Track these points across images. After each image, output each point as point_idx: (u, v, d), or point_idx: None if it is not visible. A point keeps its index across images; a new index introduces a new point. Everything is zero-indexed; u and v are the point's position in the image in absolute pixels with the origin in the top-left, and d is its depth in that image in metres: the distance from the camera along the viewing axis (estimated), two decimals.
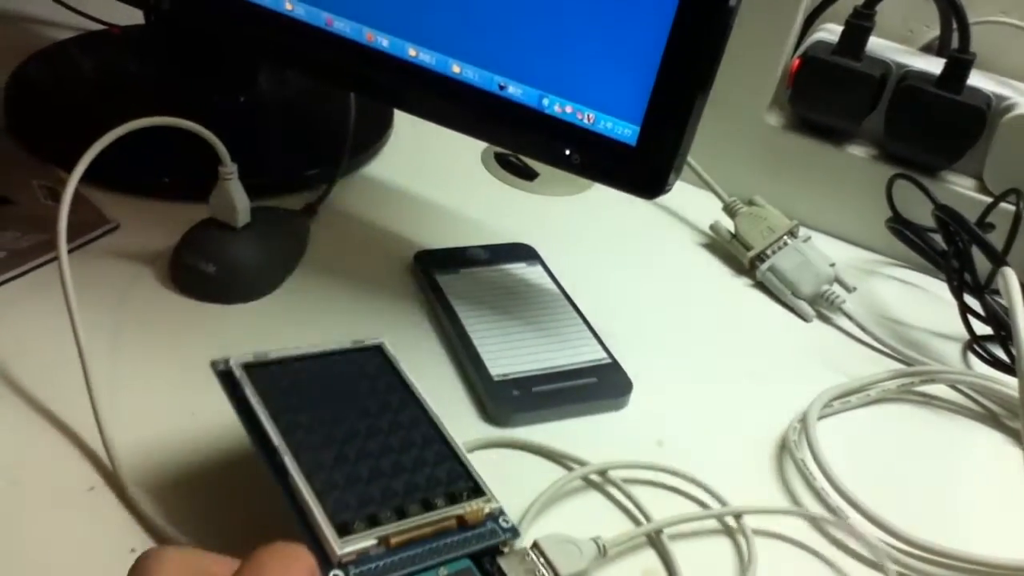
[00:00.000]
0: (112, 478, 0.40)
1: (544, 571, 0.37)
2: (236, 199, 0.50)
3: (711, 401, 0.51)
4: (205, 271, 0.50)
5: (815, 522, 0.45)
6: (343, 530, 0.33)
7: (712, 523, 0.44)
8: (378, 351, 0.42)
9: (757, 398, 0.52)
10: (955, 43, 0.63)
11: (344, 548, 0.32)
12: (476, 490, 0.36)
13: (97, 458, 0.41)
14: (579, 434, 0.46)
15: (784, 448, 0.49)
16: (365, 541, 0.33)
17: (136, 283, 0.51)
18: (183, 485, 0.40)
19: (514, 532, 0.36)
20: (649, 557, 0.42)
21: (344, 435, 0.37)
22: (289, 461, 0.34)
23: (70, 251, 0.51)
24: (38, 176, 0.57)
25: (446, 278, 0.54)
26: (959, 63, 0.61)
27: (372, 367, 0.41)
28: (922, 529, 0.44)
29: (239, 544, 0.36)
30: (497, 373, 0.48)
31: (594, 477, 0.45)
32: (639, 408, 0.49)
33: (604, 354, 0.51)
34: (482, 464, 0.37)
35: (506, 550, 0.36)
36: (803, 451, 0.48)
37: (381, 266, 0.56)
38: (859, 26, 0.63)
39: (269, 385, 0.37)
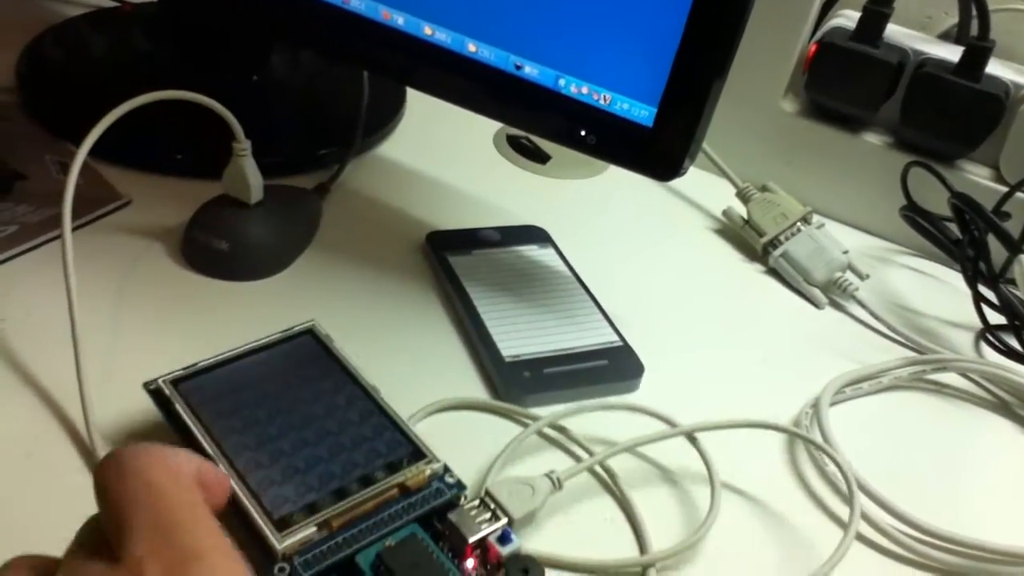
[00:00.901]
0: (90, 458, 0.40)
1: (498, 515, 0.37)
2: (249, 176, 0.50)
3: (723, 386, 0.51)
4: (217, 248, 0.50)
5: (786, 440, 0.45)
6: (283, 524, 0.33)
7: (672, 451, 0.45)
8: (310, 335, 0.43)
9: (769, 384, 0.52)
10: (974, 30, 0.63)
11: (285, 542, 0.33)
12: (417, 454, 0.37)
13: (79, 436, 0.41)
14: (589, 416, 0.46)
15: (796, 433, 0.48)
16: (305, 530, 0.33)
17: (146, 258, 0.51)
18: None
19: (459, 486, 0.37)
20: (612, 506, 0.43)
21: (279, 429, 0.37)
22: (224, 468, 0.35)
23: (81, 226, 0.52)
24: (51, 151, 0.57)
25: (458, 259, 0.54)
26: (977, 51, 0.61)
27: (305, 353, 0.42)
28: (932, 515, 0.44)
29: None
30: (509, 354, 0.48)
31: (548, 431, 0.45)
32: (650, 391, 0.49)
33: (616, 337, 0.51)
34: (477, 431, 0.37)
35: (463, 504, 0.37)
36: (815, 437, 0.48)
37: (393, 246, 0.56)
38: (877, 12, 0.63)
39: (202, 394, 0.38)
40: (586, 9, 0.46)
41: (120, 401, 0.41)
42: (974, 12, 0.63)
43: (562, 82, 0.48)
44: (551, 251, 0.57)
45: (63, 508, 0.38)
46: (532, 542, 0.39)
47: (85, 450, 0.40)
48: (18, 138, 0.57)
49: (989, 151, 0.63)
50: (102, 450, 0.39)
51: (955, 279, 0.62)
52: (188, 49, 0.66)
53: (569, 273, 0.55)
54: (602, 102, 0.47)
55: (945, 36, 0.70)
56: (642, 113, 0.46)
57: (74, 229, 0.48)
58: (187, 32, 0.65)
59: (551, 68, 0.48)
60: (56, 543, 0.36)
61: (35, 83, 0.63)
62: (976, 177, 0.63)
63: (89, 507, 0.38)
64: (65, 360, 0.42)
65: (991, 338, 0.58)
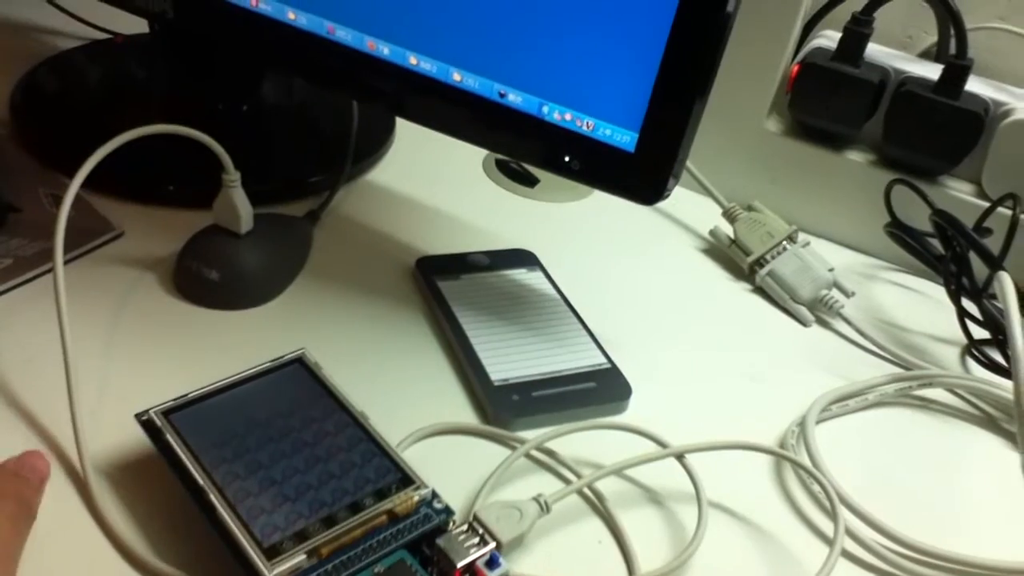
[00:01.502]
0: (83, 488, 0.40)
1: (487, 539, 0.37)
2: (239, 206, 0.51)
3: (710, 405, 0.52)
4: (208, 277, 0.51)
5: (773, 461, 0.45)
6: (273, 552, 0.34)
7: (659, 472, 0.45)
8: (299, 364, 0.43)
9: (756, 402, 0.53)
10: (953, 49, 0.64)
11: (275, 570, 0.34)
12: (405, 480, 0.38)
13: (71, 466, 0.41)
14: (576, 440, 0.47)
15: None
16: (294, 559, 0.34)
17: (139, 289, 0.52)
18: (156, 499, 0.40)
19: (447, 511, 0.38)
20: (600, 528, 0.43)
21: (269, 457, 0.38)
22: (215, 498, 0.36)
23: (75, 258, 0.52)
24: (44, 184, 0.57)
25: (447, 283, 0.55)
26: (957, 69, 0.62)
27: (294, 381, 0.42)
28: (919, 531, 0.44)
29: (192, 559, 0.37)
30: (497, 378, 0.48)
31: (536, 454, 0.46)
32: (638, 413, 0.50)
33: (604, 359, 0.51)
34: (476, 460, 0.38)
35: (451, 529, 0.37)
36: (801, 455, 0.48)
37: (383, 272, 0.57)
38: (858, 32, 0.64)
39: (193, 425, 0.39)
40: (567, 37, 0.46)
41: (113, 432, 0.42)
42: (952, 31, 0.64)
43: (545, 109, 0.48)
44: (539, 274, 0.58)
45: (55, 537, 0.38)
46: (520, 566, 0.40)
47: (78, 480, 0.40)
48: (11, 170, 0.58)
49: (971, 167, 0.64)
50: (95, 481, 0.40)
51: (940, 294, 0.62)
52: (179, 80, 0.67)
53: (557, 296, 0.56)
54: (585, 128, 0.48)
55: (925, 55, 0.71)
56: (624, 138, 0.47)
57: (67, 261, 0.49)
58: (178, 63, 0.66)
59: (535, 96, 0.48)
60: (48, 571, 0.37)
61: (29, 115, 0.64)
62: (959, 193, 0.64)
63: (79, 536, 0.38)
64: (58, 392, 0.42)
65: (976, 353, 0.58)
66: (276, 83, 0.70)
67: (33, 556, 0.37)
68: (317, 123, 0.70)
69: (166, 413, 0.39)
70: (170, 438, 0.38)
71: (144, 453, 0.41)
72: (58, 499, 0.40)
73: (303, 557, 0.34)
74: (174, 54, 0.66)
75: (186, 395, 0.40)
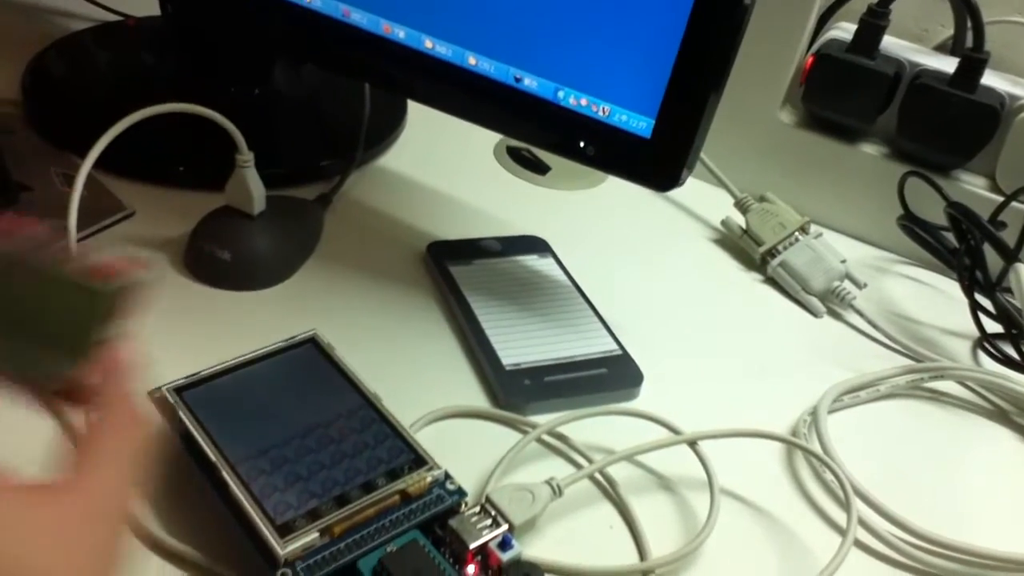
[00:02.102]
0: None
1: (499, 521, 0.37)
2: (252, 187, 0.50)
3: (721, 394, 0.52)
4: (220, 257, 0.50)
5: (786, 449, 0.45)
6: (285, 530, 0.34)
7: (671, 458, 0.45)
8: (312, 343, 0.43)
9: (767, 392, 0.52)
10: (969, 42, 0.63)
11: (287, 548, 0.33)
12: (418, 461, 0.37)
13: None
14: (588, 425, 0.47)
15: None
16: (307, 536, 0.34)
17: (150, 269, 0.52)
18: (167, 476, 0.39)
19: (460, 493, 0.37)
20: (612, 513, 0.43)
21: (282, 436, 0.38)
22: (227, 475, 0.36)
23: (85, 237, 0.52)
24: (56, 163, 0.57)
25: (458, 269, 0.55)
26: (973, 62, 0.61)
27: (307, 361, 0.42)
28: (930, 522, 0.44)
29: (204, 536, 0.37)
30: (509, 362, 0.48)
31: (547, 438, 0.46)
32: (649, 400, 0.49)
33: (615, 345, 0.51)
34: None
35: (464, 511, 0.37)
36: (813, 444, 0.48)
37: (394, 256, 0.56)
38: (873, 24, 0.63)
39: (206, 402, 0.39)
40: (585, 22, 0.46)
41: None
42: (969, 24, 0.64)
43: (561, 94, 0.48)
44: (551, 261, 0.57)
45: None
46: (532, 548, 0.40)
47: None
48: (23, 150, 0.58)
49: (985, 161, 0.63)
50: None
51: (952, 288, 0.62)
52: (192, 63, 0.66)
53: (569, 282, 0.56)
54: (601, 114, 0.48)
55: (941, 48, 0.71)
56: (640, 124, 0.47)
57: (78, 240, 0.48)
58: (191, 46, 0.66)
59: (550, 80, 0.48)
60: None
61: (40, 96, 0.63)
62: (972, 187, 0.64)
63: None
64: None
65: (988, 347, 0.58)
66: (288, 67, 0.69)
67: None
68: (328, 108, 0.69)
69: (178, 390, 0.39)
70: (182, 414, 0.38)
71: (154, 431, 0.40)
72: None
73: (316, 535, 0.34)
74: (186, 37, 0.66)
75: (198, 373, 0.40)
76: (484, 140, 0.70)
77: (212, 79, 0.65)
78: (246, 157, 0.50)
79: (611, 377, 0.49)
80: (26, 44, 0.68)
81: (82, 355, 0.31)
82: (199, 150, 0.58)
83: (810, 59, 0.65)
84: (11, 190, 0.54)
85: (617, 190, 0.67)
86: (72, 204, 0.44)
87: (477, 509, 0.38)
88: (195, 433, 0.37)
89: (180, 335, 0.48)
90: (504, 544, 0.36)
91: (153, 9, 0.66)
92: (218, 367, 0.41)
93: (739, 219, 0.64)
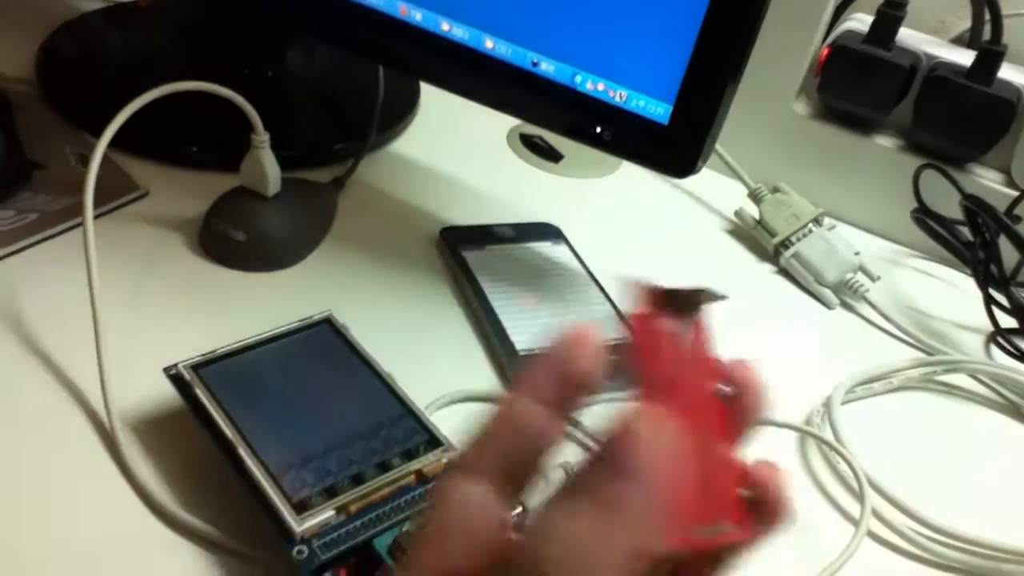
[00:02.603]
0: (110, 442, 0.40)
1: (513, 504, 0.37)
2: (268, 167, 0.50)
3: None
4: (235, 238, 0.50)
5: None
6: (301, 507, 0.34)
7: None
8: (327, 324, 0.43)
9: (780, 383, 0.52)
10: (987, 35, 0.63)
11: (303, 524, 0.33)
12: (433, 442, 0.37)
13: (99, 419, 0.41)
14: (601, 411, 0.46)
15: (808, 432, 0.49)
16: (324, 514, 0.34)
17: (164, 248, 0.52)
18: (182, 453, 0.40)
19: None
20: None
21: (298, 415, 0.38)
22: (244, 452, 0.36)
23: (99, 216, 0.52)
24: (71, 142, 0.57)
25: (472, 254, 0.54)
26: (990, 55, 0.61)
27: (322, 342, 0.42)
28: (942, 514, 0.44)
29: (220, 513, 0.37)
30: (522, 347, 0.48)
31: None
32: None
33: (628, 333, 0.51)
34: None
35: None
36: (827, 435, 0.48)
37: (407, 240, 0.56)
38: (890, 16, 0.63)
39: (222, 380, 0.39)
40: (604, 7, 0.46)
41: (140, 386, 0.42)
42: (987, 16, 0.63)
43: (578, 79, 0.48)
44: (564, 248, 0.57)
45: (83, 490, 0.38)
46: None
47: (105, 434, 0.40)
48: (38, 129, 0.57)
49: (1001, 155, 0.63)
50: (122, 434, 0.40)
51: (966, 282, 0.62)
52: (204, 43, 0.66)
53: (582, 270, 0.56)
54: (618, 99, 0.48)
55: (958, 40, 0.71)
56: (658, 110, 0.47)
57: (94, 219, 0.48)
58: (204, 26, 0.66)
59: (568, 65, 0.48)
60: (76, 525, 0.37)
61: (54, 75, 0.63)
62: (988, 181, 0.63)
63: (107, 489, 0.38)
64: (86, 345, 0.42)
65: (1002, 341, 0.58)
66: (301, 50, 0.69)
67: (61, 507, 0.37)
68: (342, 90, 0.69)
69: (195, 367, 0.39)
70: (199, 392, 0.38)
71: (171, 408, 0.40)
72: (86, 453, 0.40)
73: (332, 513, 0.34)
74: (198, 18, 0.66)
75: (214, 351, 0.40)
76: (497, 127, 0.70)
77: (225, 60, 0.65)
78: (262, 137, 0.49)
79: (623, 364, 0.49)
80: (40, 23, 0.68)
81: None
82: (214, 130, 0.58)
83: (826, 50, 0.65)
84: (26, 168, 0.54)
85: (630, 179, 0.67)
86: (88, 184, 0.43)
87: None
88: (212, 410, 0.37)
89: (195, 314, 0.48)
90: (518, 527, 0.36)
91: None
92: (234, 346, 0.41)
93: (753, 210, 0.64)
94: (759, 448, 0.46)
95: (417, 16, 0.51)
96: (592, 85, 0.48)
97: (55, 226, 0.50)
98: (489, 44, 0.50)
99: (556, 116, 0.51)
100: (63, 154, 0.56)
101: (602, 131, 0.49)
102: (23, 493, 0.37)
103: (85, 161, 0.55)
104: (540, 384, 0.22)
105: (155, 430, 0.41)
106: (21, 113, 0.55)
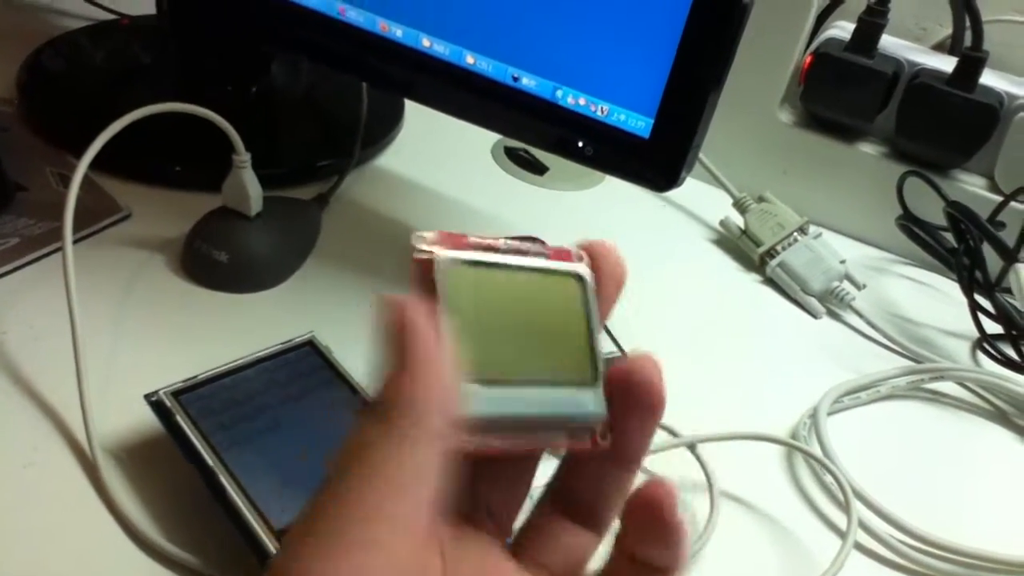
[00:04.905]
0: (92, 470, 0.40)
1: None
2: (249, 187, 0.50)
3: (721, 396, 0.51)
4: (217, 259, 0.50)
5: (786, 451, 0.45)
6: (284, 535, 0.33)
7: (670, 461, 0.45)
8: (309, 346, 0.43)
9: (767, 394, 0.52)
10: (968, 41, 0.63)
11: None
12: None
13: (80, 447, 0.41)
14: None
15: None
16: None
17: (146, 270, 0.51)
18: (165, 480, 0.40)
19: None
20: None
21: (280, 440, 0.38)
22: (224, 479, 0.35)
23: (82, 238, 0.52)
24: (51, 163, 0.57)
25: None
26: (972, 61, 0.61)
27: (305, 364, 0.42)
28: (930, 524, 0.44)
29: (201, 541, 0.36)
30: None
31: None
32: None
33: (613, 347, 0.51)
34: None
35: None
36: (813, 446, 0.48)
37: (391, 257, 0.56)
38: (872, 23, 0.63)
39: (203, 406, 0.39)
40: (583, 21, 0.46)
41: (121, 412, 0.41)
42: (968, 23, 0.64)
43: (559, 93, 0.48)
44: None
45: (65, 519, 0.38)
46: None
47: (86, 461, 0.40)
48: (18, 150, 0.57)
49: (984, 161, 0.63)
50: (103, 461, 0.39)
51: (952, 288, 0.62)
52: (188, 61, 0.66)
53: None
54: (599, 113, 0.47)
55: (939, 47, 0.71)
56: (639, 124, 0.47)
57: (75, 241, 0.48)
58: (187, 45, 0.65)
59: (548, 80, 0.48)
60: (58, 555, 0.36)
61: (35, 95, 0.63)
62: (971, 187, 0.64)
63: (88, 518, 0.38)
64: (66, 371, 0.42)
65: (988, 347, 0.58)
66: (285, 66, 0.69)
67: (41, 537, 0.37)
68: (326, 107, 0.69)
69: (176, 394, 0.39)
70: (180, 419, 0.37)
71: (153, 434, 0.40)
72: (66, 480, 0.39)
73: None
74: (181, 36, 0.65)
75: (195, 376, 0.40)
76: (482, 140, 0.70)
77: (208, 78, 0.65)
78: (243, 157, 0.49)
79: None
80: (20, 42, 0.67)
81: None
82: (196, 150, 0.58)
83: (809, 58, 0.65)
84: (7, 190, 0.53)
85: (615, 191, 0.67)
86: (68, 206, 0.43)
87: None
88: (192, 437, 0.37)
89: (177, 338, 0.47)
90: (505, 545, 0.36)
91: (148, 8, 0.66)
92: (216, 370, 0.40)
93: (738, 219, 0.64)
94: (745, 460, 0.46)
95: (397, 32, 0.51)
96: (573, 100, 0.48)
97: (36, 250, 0.50)
98: (470, 60, 0.49)
99: (538, 131, 0.51)
100: (44, 176, 0.56)
101: (584, 145, 0.49)
102: (1, 522, 0.37)
103: (67, 182, 0.54)
104: None
105: (137, 457, 0.40)
106: (3, 134, 0.55)
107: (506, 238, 0.23)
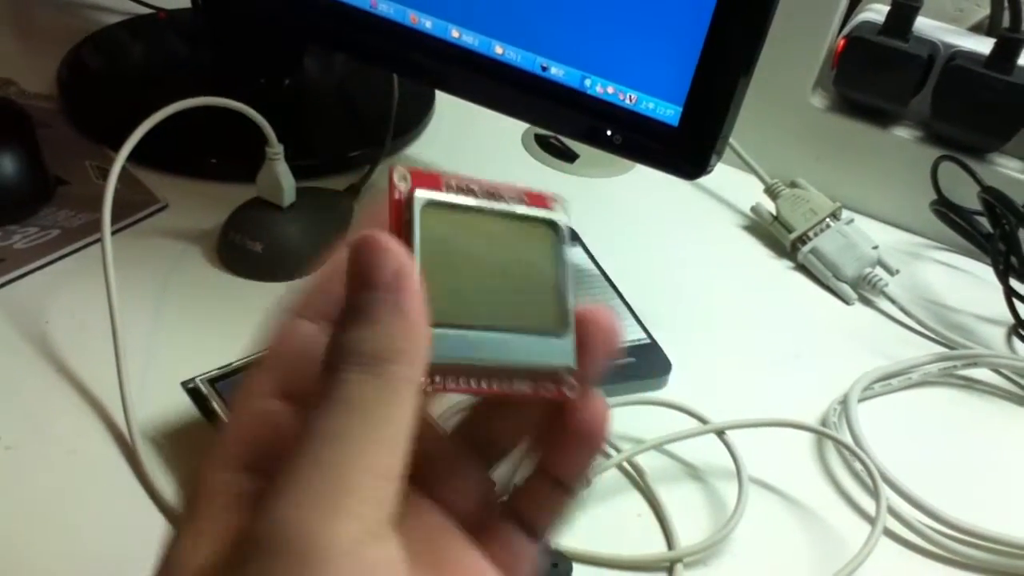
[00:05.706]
0: (131, 454, 0.41)
1: None
2: (282, 179, 0.51)
3: (751, 382, 0.51)
4: (252, 249, 0.51)
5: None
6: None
7: (699, 448, 0.45)
8: None
9: (798, 380, 0.52)
10: (1006, 22, 0.62)
11: None
12: None
13: (119, 432, 0.42)
14: (616, 414, 0.47)
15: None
16: None
17: (183, 261, 0.52)
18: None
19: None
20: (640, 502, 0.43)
21: None
22: None
23: (119, 230, 0.53)
24: (91, 157, 0.58)
25: None
26: (1010, 43, 0.60)
27: None
28: (962, 511, 0.44)
29: None
30: None
31: None
32: (677, 389, 0.49)
33: (643, 334, 0.51)
34: None
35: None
36: (843, 433, 0.48)
37: None
38: (906, 5, 0.62)
39: None
40: (611, 10, 0.46)
41: (159, 399, 0.43)
42: (1006, 4, 0.62)
43: (588, 82, 0.48)
44: (578, 249, 0.57)
45: (106, 503, 0.39)
46: (560, 537, 0.40)
47: (126, 447, 0.41)
48: (59, 144, 0.59)
49: (1021, 144, 0.62)
50: (142, 447, 0.41)
51: (986, 274, 0.61)
52: (222, 55, 0.67)
53: (596, 271, 0.56)
54: (628, 102, 0.48)
55: (976, 28, 0.70)
56: (668, 112, 0.47)
57: (113, 233, 0.49)
58: (221, 38, 0.67)
59: (577, 69, 0.48)
60: (99, 538, 0.38)
61: (75, 90, 0.64)
62: (1008, 170, 0.63)
63: (131, 505, 0.39)
64: (106, 359, 0.43)
65: (1023, 333, 0.57)
66: (317, 58, 0.70)
67: (80, 520, 0.38)
68: (358, 98, 0.70)
69: (212, 381, 0.40)
70: (215, 405, 0.38)
71: (190, 420, 0.41)
72: (106, 465, 0.40)
73: None
74: (216, 30, 0.66)
75: (231, 364, 0.41)
76: (512, 128, 0.70)
77: (242, 71, 0.66)
78: (276, 149, 0.50)
79: (639, 366, 0.49)
80: (60, 39, 0.69)
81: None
82: (231, 142, 0.59)
83: (842, 42, 0.64)
84: (49, 184, 0.55)
85: (646, 177, 0.67)
86: (106, 199, 0.44)
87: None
88: None
89: (213, 326, 0.48)
90: None
91: (183, 2, 0.67)
92: (250, 358, 0.41)
93: (769, 205, 0.64)
94: (775, 447, 0.46)
95: (427, 24, 0.51)
96: (602, 88, 0.48)
97: (76, 241, 0.51)
98: (498, 50, 0.50)
99: (566, 120, 0.51)
100: (84, 169, 0.57)
101: (613, 134, 0.49)
102: (44, 506, 0.38)
103: (106, 175, 0.56)
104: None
105: (175, 442, 0.41)
106: (45, 130, 0.57)
107: (482, 181, 0.24)
